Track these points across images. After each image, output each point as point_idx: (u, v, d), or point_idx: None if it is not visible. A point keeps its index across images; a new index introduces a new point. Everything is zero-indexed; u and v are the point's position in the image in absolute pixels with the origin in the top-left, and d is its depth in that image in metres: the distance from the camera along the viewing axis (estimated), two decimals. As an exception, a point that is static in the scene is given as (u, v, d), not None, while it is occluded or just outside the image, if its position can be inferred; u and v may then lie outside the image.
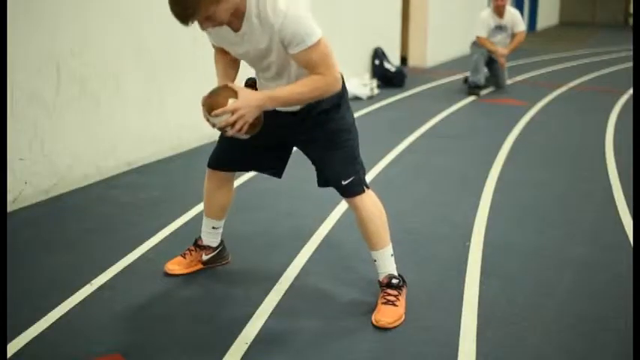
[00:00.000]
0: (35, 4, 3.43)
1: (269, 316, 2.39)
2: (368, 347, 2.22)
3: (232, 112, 2.09)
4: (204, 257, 2.72)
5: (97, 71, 3.87)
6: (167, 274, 2.69)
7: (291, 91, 2.14)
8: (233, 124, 2.10)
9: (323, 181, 2.42)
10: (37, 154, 3.55)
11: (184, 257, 2.73)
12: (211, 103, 2.13)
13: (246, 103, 2.09)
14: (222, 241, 2.75)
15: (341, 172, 2.34)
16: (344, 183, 2.34)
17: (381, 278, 2.45)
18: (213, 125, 2.15)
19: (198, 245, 2.73)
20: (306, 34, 2.04)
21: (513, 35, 7.19)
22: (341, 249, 2.99)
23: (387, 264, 2.44)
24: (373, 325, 2.33)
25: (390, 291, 2.41)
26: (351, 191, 2.36)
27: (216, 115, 2.12)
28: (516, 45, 7.17)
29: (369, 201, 2.38)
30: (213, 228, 2.69)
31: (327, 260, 2.88)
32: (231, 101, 2.10)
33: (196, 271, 2.72)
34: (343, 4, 6.84)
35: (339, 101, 2.31)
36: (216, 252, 2.74)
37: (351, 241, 3.02)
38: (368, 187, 2.40)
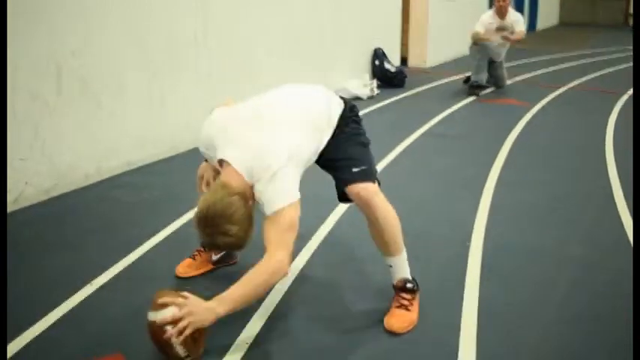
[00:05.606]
0: (36, 4, 3.44)
1: (270, 316, 2.39)
2: (367, 347, 2.22)
3: (180, 308, 1.96)
4: (214, 257, 2.71)
5: (98, 71, 3.88)
6: (178, 278, 2.66)
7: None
8: (177, 322, 1.94)
9: (334, 169, 2.31)
10: (38, 154, 3.55)
11: (194, 259, 2.71)
12: (158, 293, 2.01)
13: (197, 304, 2.00)
14: None
15: (353, 160, 2.26)
16: (355, 170, 2.24)
17: (395, 282, 2.39)
18: (153, 324, 1.96)
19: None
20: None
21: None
22: (341, 249, 3.00)
23: (402, 269, 2.38)
24: (385, 329, 2.30)
25: (404, 295, 2.37)
26: (362, 178, 2.23)
27: (163, 305, 1.95)
28: (514, 39, 7.00)
29: (385, 202, 2.26)
30: None
31: (328, 260, 2.88)
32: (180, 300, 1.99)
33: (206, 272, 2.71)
34: (344, 5, 6.84)
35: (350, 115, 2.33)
36: (225, 251, 2.71)
37: (351, 241, 3.03)
38: (379, 184, 2.30)
